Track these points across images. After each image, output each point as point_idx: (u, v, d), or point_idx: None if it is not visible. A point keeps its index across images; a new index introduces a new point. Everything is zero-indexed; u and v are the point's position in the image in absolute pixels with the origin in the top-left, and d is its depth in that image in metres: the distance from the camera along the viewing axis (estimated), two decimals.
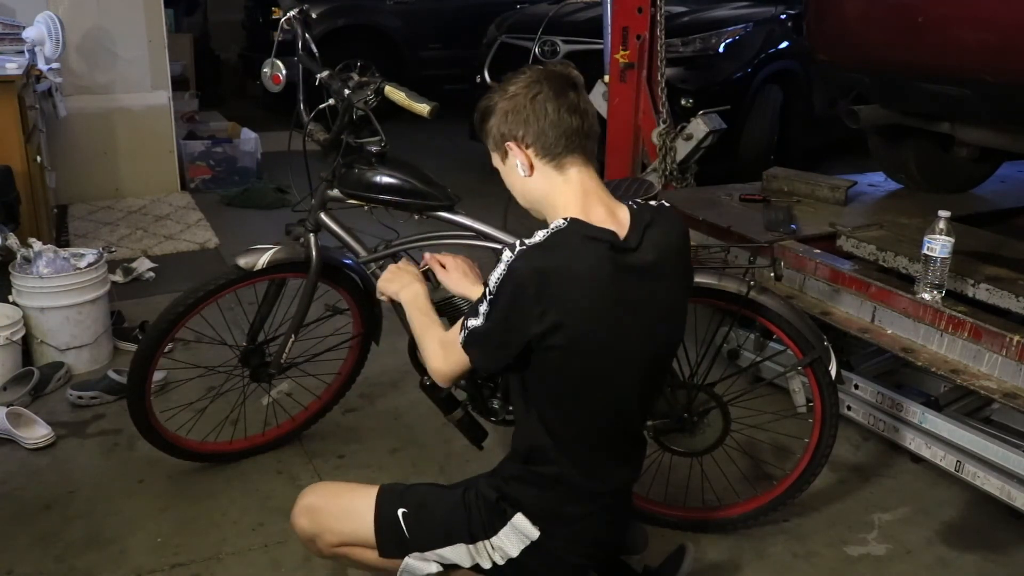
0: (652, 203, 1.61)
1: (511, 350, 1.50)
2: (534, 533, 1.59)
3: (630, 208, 1.57)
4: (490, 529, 1.61)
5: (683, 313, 1.67)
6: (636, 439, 1.73)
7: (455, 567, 1.64)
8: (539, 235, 1.48)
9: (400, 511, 1.64)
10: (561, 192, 1.54)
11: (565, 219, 1.49)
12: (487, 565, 1.62)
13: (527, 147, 1.53)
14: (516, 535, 1.60)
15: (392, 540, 1.64)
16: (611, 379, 1.55)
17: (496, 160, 1.60)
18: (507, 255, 1.47)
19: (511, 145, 1.54)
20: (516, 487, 1.61)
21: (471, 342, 1.53)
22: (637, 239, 1.51)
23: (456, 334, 1.57)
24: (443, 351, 1.63)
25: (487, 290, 1.49)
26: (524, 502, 1.60)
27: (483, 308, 1.50)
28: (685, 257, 1.64)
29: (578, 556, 1.64)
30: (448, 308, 2.07)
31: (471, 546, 1.62)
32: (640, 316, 1.53)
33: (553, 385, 1.53)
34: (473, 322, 1.52)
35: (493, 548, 1.61)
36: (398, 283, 1.84)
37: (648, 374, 1.62)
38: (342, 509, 1.70)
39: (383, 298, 1.90)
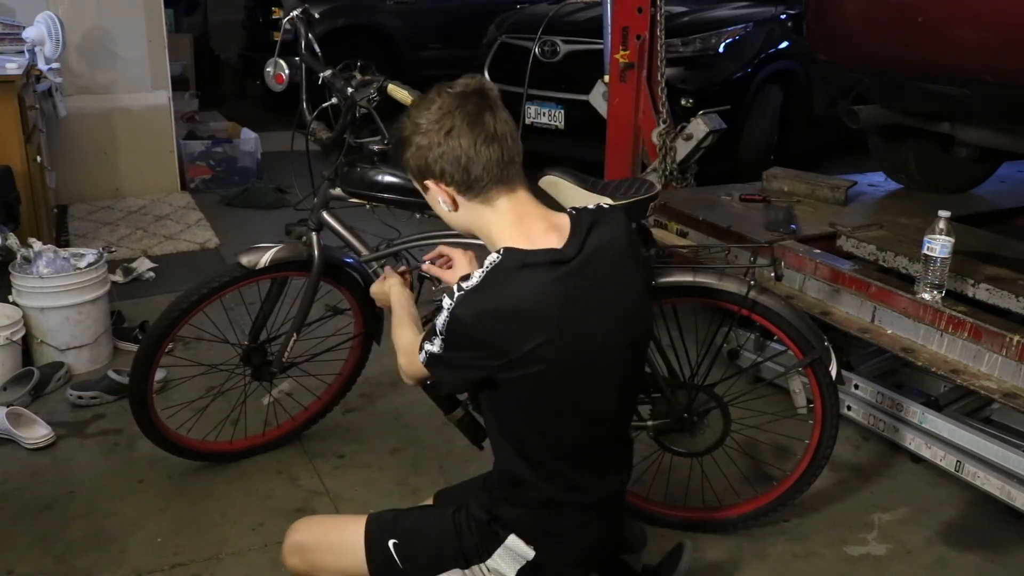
0: (591, 207, 1.57)
1: (470, 379, 1.51)
2: (529, 553, 1.57)
3: (569, 215, 1.52)
4: (484, 552, 1.59)
5: (646, 305, 1.62)
6: (621, 442, 1.69)
7: None
8: (475, 276, 1.42)
9: (391, 542, 1.61)
10: (493, 223, 1.49)
11: (499, 252, 1.44)
12: None
13: (447, 185, 1.47)
14: (511, 556, 1.57)
15: (386, 571, 1.61)
16: (588, 388, 1.51)
17: (418, 186, 1.56)
18: (447, 301, 1.42)
19: (430, 183, 1.50)
20: (506, 508, 1.59)
21: (431, 363, 1.51)
22: (578, 245, 1.46)
23: (416, 346, 1.55)
24: (408, 354, 1.63)
25: (437, 329, 1.45)
26: (515, 523, 1.58)
27: (437, 341, 1.47)
28: (634, 249, 1.57)
29: (574, 567, 1.62)
30: None
31: (466, 570, 1.60)
32: (601, 318, 1.48)
33: (529, 409, 1.50)
34: (429, 347, 1.49)
35: (488, 571, 1.59)
36: (383, 292, 1.88)
37: (624, 371, 1.57)
38: (332, 545, 1.66)
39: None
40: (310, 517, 1.82)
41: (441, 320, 1.44)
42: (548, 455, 1.55)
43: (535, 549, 1.57)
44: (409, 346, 1.64)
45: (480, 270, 1.43)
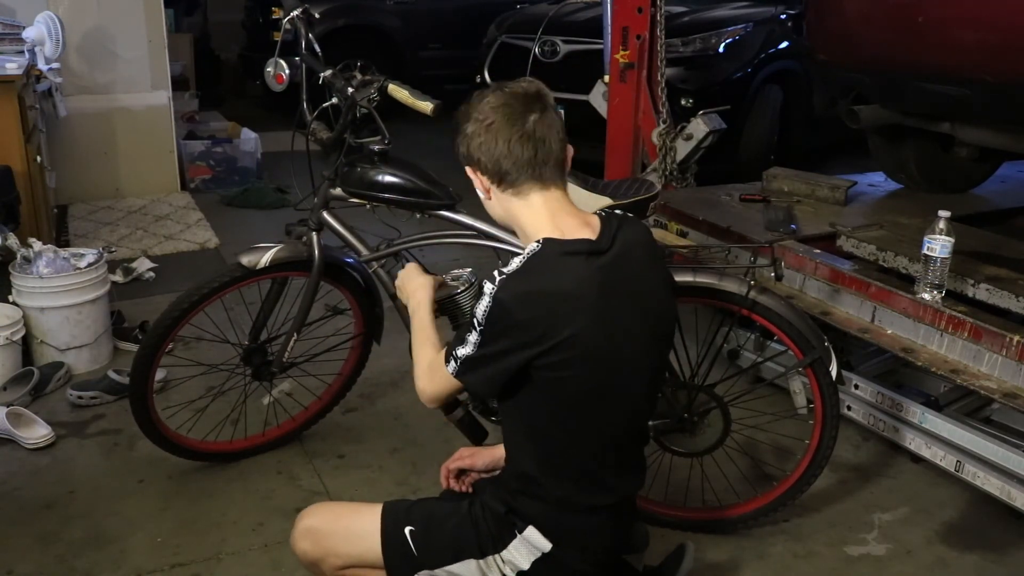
0: (617, 212, 1.64)
1: (507, 373, 1.50)
2: (546, 545, 1.58)
3: (599, 216, 1.59)
4: (500, 543, 1.60)
5: (671, 305, 1.67)
6: (641, 443, 1.72)
7: None
8: (515, 262, 1.49)
9: (407, 529, 1.63)
10: (526, 215, 1.56)
11: (538, 241, 1.50)
12: None
13: (483, 174, 1.55)
14: (527, 548, 1.59)
15: (401, 559, 1.62)
16: (616, 381, 1.54)
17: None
18: (489, 286, 1.47)
19: (468, 169, 1.58)
20: (524, 501, 1.60)
21: (464, 370, 1.54)
22: (609, 240, 1.53)
23: (439, 361, 1.58)
24: (429, 373, 1.64)
25: (475, 321, 1.49)
26: (534, 516, 1.59)
27: (472, 338, 1.50)
28: (656, 252, 1.65)
29: (588, 564, 1.63)
30: (450, 306, 2.07)
31: (481, 561, 1.60)
32: (632, 311, 1.54)
33: (560, 403, 1.52)
34: (462, 351, 1.52)
35: (504, 562, 1.60)
36: (408, 289, 1.87)
37: (648, 368, 1.62)
38: (346, 530, 1.67)
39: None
40: (323, 503, 1.83)
41: (481, 308, 1.47)
42: (572, 453, 1.56)
43: (552, 542, 1.58)
44: (431, 364, 1.64)
45: (519, 258, 1.49)
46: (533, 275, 1.47)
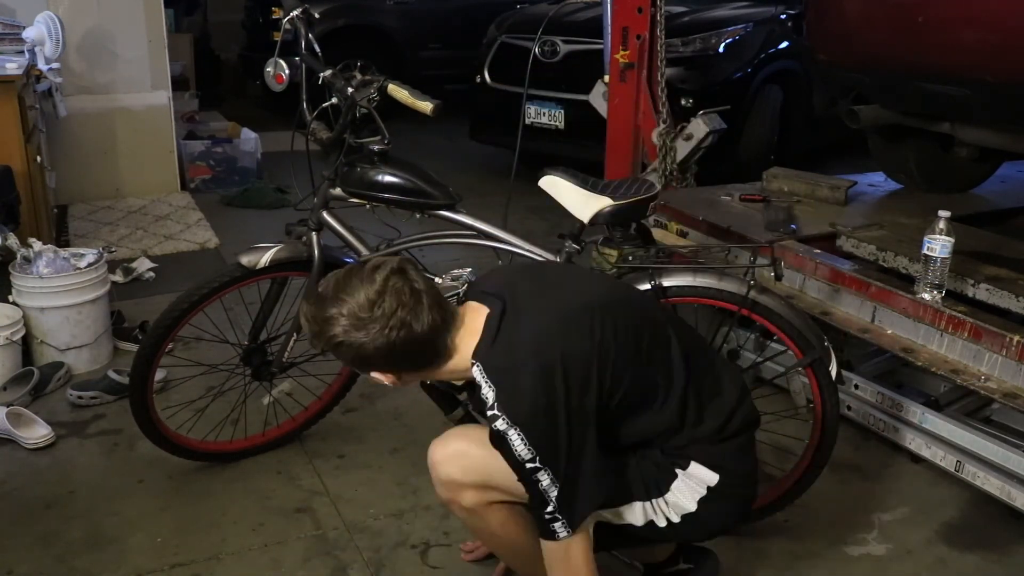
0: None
1: (591, 434, 1.49)
2: (713, 478, 1.59)
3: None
4: (664, 485, 1.61)
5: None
6: (718, 373, 1.72)
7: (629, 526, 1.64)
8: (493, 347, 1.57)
9: None
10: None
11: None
12: (662, 523, 1.62)
13: None
14: (691, 486, 1.59)
15: None
16: (646, 364, 1.58)
17: None
18: (491, 394, 1.48)
19: None
20: (679, 450, 1.62)
21: (569, 498, 1.47)
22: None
23: (550, 538, 1.52)
24: (565, 562, 1.54)
25: (516, 432, 1.45)
26: (693, 455, 1.61)
27: (526, 455, 1.46)
28: None
29: (750, 493, 1.66)
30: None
31: (646, 504, 1.61)
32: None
33: (620, 404, 1.56)
34: (544, 482, 1.46)
35: (668, 504, 1.61)
36: None
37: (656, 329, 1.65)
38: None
39: None
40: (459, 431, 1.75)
41: (509, 413, 1.50)
42: (665, 404, 1.60)
43: (718, 473, 1.59)
44: (549, 552, 1.56)
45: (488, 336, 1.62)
46: (505, 342, 1.54)
